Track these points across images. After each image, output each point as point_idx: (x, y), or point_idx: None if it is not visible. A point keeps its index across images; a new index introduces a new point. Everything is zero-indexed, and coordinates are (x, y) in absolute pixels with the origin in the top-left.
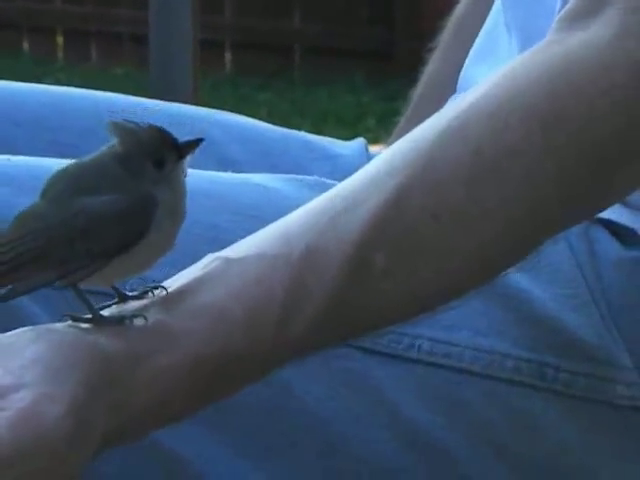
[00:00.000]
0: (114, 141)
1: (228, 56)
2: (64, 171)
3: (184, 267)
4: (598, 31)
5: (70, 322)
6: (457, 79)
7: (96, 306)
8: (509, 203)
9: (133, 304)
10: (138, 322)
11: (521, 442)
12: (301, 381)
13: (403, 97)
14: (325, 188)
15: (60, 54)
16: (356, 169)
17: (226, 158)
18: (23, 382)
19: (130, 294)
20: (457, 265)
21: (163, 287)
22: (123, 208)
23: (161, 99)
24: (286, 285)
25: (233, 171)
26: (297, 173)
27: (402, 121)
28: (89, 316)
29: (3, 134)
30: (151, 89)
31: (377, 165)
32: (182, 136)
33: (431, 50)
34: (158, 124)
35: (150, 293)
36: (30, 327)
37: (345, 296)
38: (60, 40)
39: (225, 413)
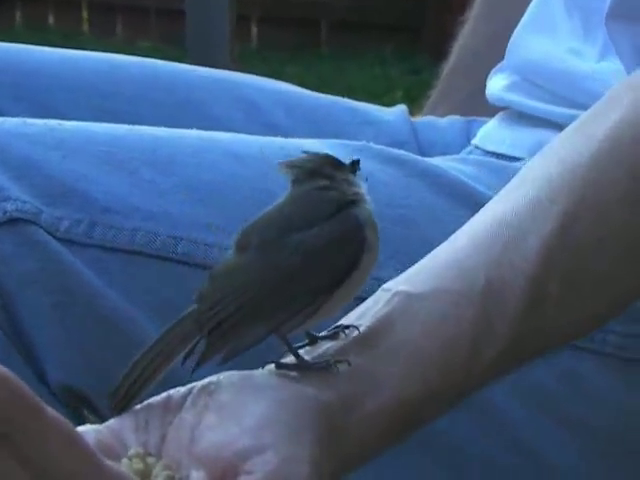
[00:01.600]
0: (290, 180)
1: (254, 30)
2: (254, 222)
3: (234, 231)
4: None
5: (274, 369)
6: (489, 51)
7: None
8: None
9: (326, 346)
10: (342, 367)
11: (576, 405)
12: None
13: (430, 70)
14: (372, 153)
15: (85, 28)
16: (399, 134)
17: (271, 123)
18: (264, 444)
19: (320, 335)
20: (623, 289)
21: (355, 327)
22: (339, 235)
23: None
24: (472, 320)
25: (276, 136)
26: (341, 138)
27: (434, 95)
28: (292, 361)
29: (55, 100)
30: (188, 62)
31: (535, 188)
32: (230, 101)
33: (461, 23)
34: (205, 88)
35: (342, 334)
36: (234, 376)
37: (524, 327)
38: (85, 14)
39: None
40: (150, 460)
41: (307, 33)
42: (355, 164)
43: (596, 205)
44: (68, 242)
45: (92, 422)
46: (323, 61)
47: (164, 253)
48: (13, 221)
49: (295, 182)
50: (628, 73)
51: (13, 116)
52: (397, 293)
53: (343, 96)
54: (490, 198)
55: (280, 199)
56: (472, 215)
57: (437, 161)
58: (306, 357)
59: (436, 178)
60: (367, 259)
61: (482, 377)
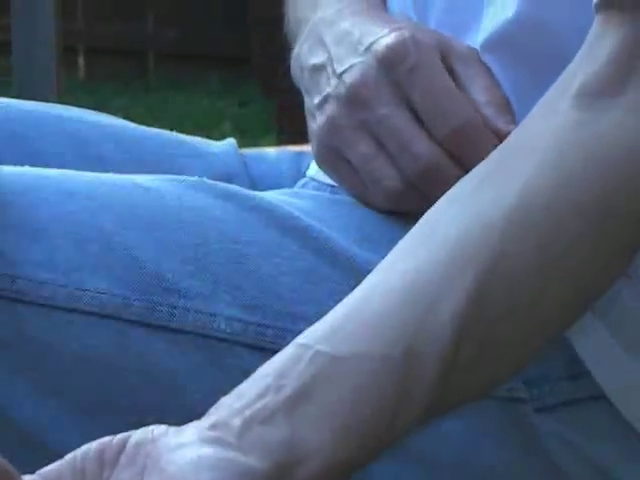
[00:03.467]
0: None
1: (81, 62)
2: None
3: (67, 268)
4: (630, 112)
5: (207, 430)
6: None
7: None
8: (568, 292)
9: (256, 402)
10: None
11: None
12: None
13: (259, 102)
14: (205, 188)
15: None
16: (228, 168)
17: (99, 157)
18: None
19: None
20: (526, 354)
21: None
22: None
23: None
24: (392, 390)
25: (106, 170)
26: (171, 171)
27: None
28: None
29: None
30: (15, 94)
31: (447, 249)
32: (56, 136)
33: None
34: (30, 123)
35: None
36: (168, 436)
37: (440, 392)
38: None
39: None
40: None
41: (134, 65)
42: None
43: (506, 275)
44: None
45: None
46: (150, 93)
47: None
48: None
49: None
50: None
51: None
52: (318, 353)
53: (171, 129)
54: (322, 231)
55: None
56: (304, 249)
57: (270, 195)
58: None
59: (268, 213)
60: None
61: (402, 435)
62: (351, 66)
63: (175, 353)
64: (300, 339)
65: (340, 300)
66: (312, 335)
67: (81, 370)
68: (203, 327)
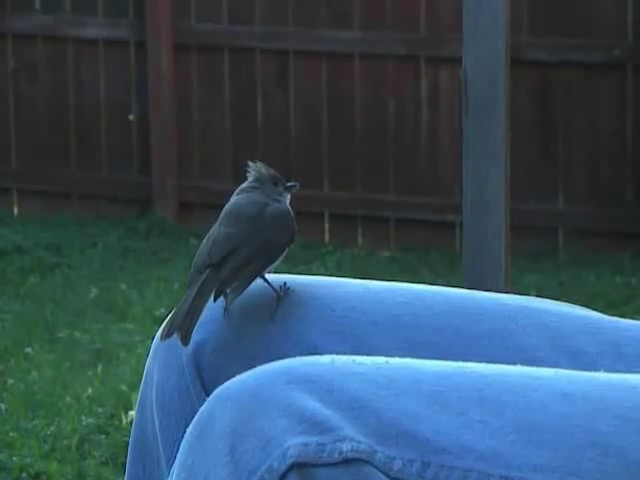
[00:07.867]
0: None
1: None
2: (232, 207)
3: (566, 470)
4: None
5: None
6: None
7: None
8: None
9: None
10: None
11: None
12: None
13: None
14: None
15: (327, 238)
16: None
17: (576, 350)
18: None
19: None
20: None
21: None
22: (288, 210)
23: (473, 287)
24: None
25: (583, 363)
26: None
27: None
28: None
29: (361, 333)
30: (464, 277)
31: None
32: (534, 329)
33: None
34: (508, 317)
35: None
36: None
37: None
38: (327, 224)
39: None
40: None
41: (545, 241)
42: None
43: None
44: None
45: None
46: (561, 269)
47: None
48: (348, 461)
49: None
50: None
51: (328, 350)
52: None
53: (584, 306)
54: None
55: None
56: None
57: None
58: None
59: None
60: None
61: None
62: None
63: None
64: None
65: None
66: None
67: None
68: None
